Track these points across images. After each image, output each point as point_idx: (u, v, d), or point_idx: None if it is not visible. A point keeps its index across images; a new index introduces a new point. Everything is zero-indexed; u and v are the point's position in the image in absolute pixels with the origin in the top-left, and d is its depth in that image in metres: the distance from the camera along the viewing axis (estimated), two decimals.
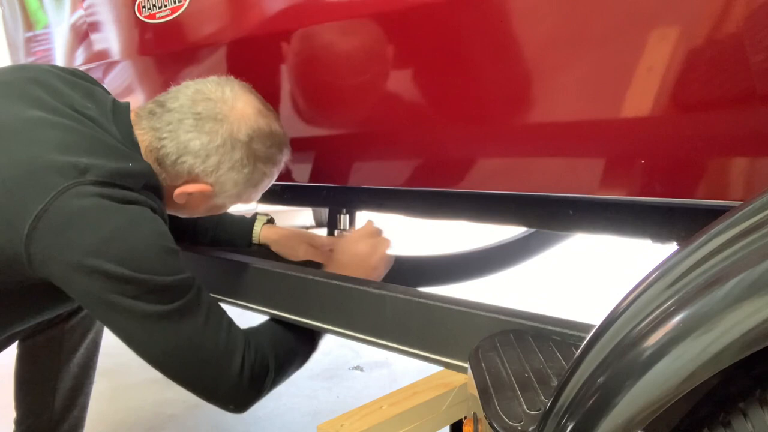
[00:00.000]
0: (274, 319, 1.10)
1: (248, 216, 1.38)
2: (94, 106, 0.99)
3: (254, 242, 1.35)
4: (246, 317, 1.09)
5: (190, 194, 1.00)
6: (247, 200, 1.08)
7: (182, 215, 1.11)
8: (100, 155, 0.89)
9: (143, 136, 0.98)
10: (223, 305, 1.03)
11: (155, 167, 0.98)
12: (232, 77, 1.04)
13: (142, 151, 0.98)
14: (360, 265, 1.14)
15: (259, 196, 1.10)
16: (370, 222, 1.21)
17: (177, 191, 0.99)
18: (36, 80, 0.99)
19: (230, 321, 0.95)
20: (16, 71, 1.04)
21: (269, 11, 1.08)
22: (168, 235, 0.90)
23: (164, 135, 0.97)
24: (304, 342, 1.08)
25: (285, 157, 1.07)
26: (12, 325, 1.08)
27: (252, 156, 0.99)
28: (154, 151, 0.97)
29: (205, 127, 0.96)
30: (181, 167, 0.97)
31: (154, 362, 0.90)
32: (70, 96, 0.99)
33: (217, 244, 1.33)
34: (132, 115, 1.01)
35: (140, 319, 0.85)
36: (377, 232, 1.19)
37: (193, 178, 0.99)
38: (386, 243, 1.19)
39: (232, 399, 0.95)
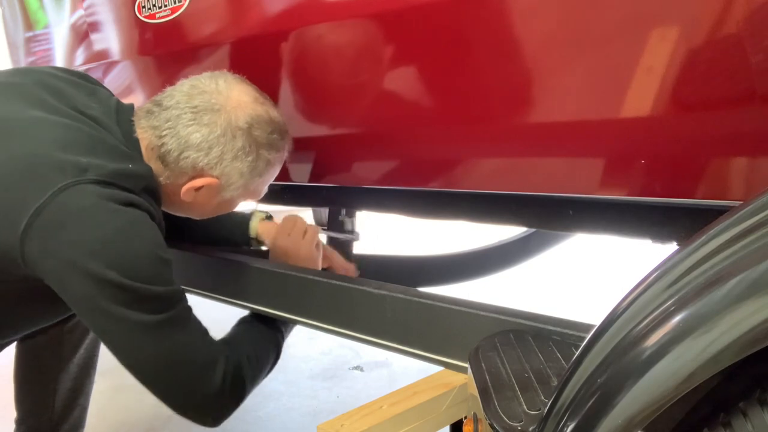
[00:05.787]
0: (243, 322, 1.11)
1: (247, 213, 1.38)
2: (97, 105, 0.99)
3: (251, 237, 1.34)
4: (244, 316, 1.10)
5: (197, 190, 0.99)
6: (255, 193, 1.07)
7: (193, 215, 1.10)
8: (101, 155, 0.89)
9: (143, 134, 0.98)
10: (222, 305, 1.03)
11: (158, 167, 0.97)
12: (225, 70, 1.03)
13: (143, 151, 0.97)
14: (293, 258, 1.19)
15: (266, 188, 1.09)
16: (287, 218, 1.27)
17: (184, 189, 0.98)
18: (40, 83, 0.99)
19: (207, 333, 0.95)
20: (19, 74, 1.03)
21: (269, 11, 1.08)
22: (164, 244, 0.90)
23: (164, 132, 0.96)
24: (272, 349, 1.08)
25: (288, 145, 1.06)
26: (7, 334, 1.08)
27: (254, 143, 0.98)
28: (156, 149, 0.97)
29: (203, 119, 0.96)
30: (185, 162, 0.96)
31: (136, 371, 0.88)
32: (73, 96, 0.98)
33: (214, 240, 1.32)
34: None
35: (128, 326, 0.84)
36: (294, 224, 1.24)
37: (198, 173, 0.98)
38: (310, 231, 1.24)
39: (212, 410, 0.94)
